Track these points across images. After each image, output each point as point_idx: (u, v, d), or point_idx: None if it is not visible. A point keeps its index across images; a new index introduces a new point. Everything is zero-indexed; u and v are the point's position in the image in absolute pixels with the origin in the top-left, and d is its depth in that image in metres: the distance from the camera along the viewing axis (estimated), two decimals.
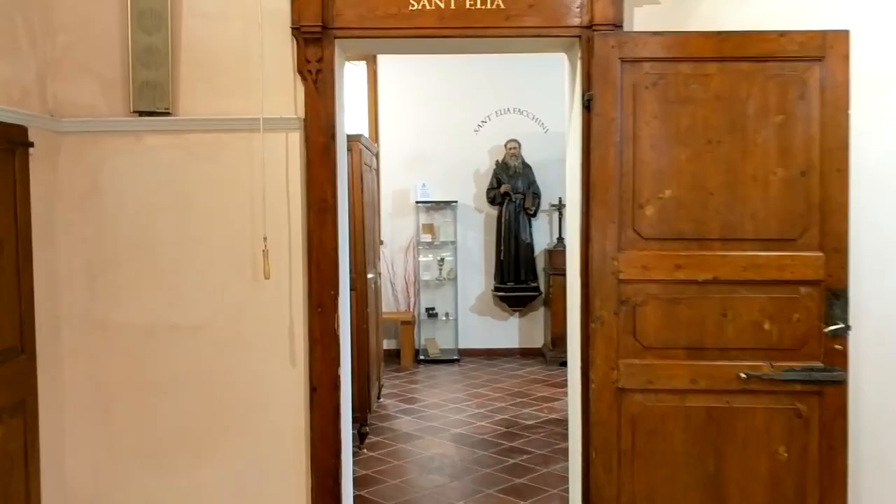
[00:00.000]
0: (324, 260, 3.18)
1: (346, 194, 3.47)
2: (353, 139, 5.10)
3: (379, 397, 6.41)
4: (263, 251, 3.10)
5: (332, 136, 3.18)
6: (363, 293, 5.15)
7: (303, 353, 3.19)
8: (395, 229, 8.24)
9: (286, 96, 3.18)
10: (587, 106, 3.15)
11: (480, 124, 8.22)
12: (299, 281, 3.17)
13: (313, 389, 3.20)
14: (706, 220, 3.05)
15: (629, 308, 3.08)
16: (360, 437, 5.21)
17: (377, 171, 8.03)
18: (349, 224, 5.09)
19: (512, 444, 5.27)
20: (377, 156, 8.14)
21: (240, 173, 3.17)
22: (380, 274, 6.34)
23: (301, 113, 3.17)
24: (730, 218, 3.05)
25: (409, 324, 7.86)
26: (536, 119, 8.21)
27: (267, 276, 3.10)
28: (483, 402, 6.41)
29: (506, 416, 5.96)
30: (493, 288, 8.13)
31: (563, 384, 6.95)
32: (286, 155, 3.16)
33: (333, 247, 3.18)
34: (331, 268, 3.18)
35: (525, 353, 8.25)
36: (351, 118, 7.75)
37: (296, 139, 3.16)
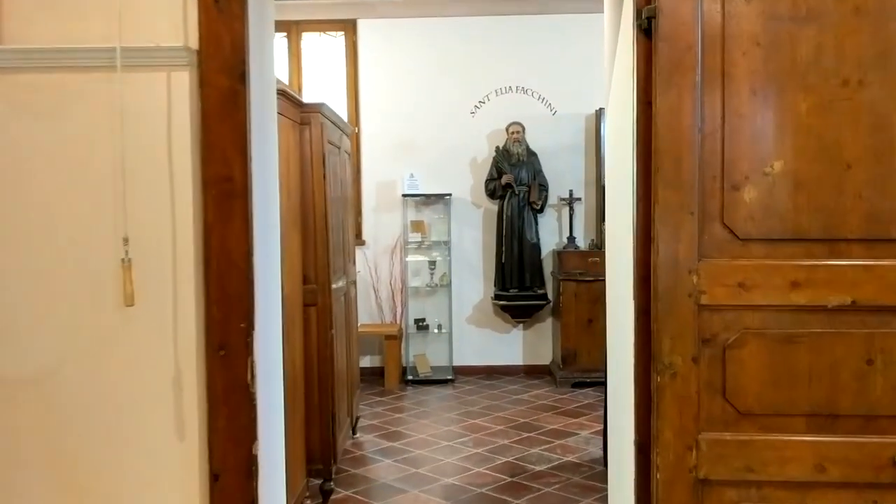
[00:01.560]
0: (229, 274, 2.01)
1: (273, 171, 2.31)
2: (312, 109, 3.94)
3: (354, 432, 5.25)
4: (123, 262, 1.93)
5: (242, 78, 2.01)
6: (326, 308, 3.99)
7: (196, 421, 2.03)
8: (379, 227, 7.07)
9: (169, 15, 2.01)
10: (646, 28, 1.98)
11: (478, 105, 7.05)
12: (190, 308, 2.00)
13: (214, 477, 2.04)
14: (841, 210, 1.90)
15: (716, 351, 1.92)
16: (322, 495, 4.05)
17: (353, 156, 6.88)
18: (308, 220, 3.94)
19: (518, 503, 4.11)
20: (357, 140, 6.99)
21: (98, 137, 2.00)
22: (354, 283, 5.18)
23: (194, 42, 2.01)
24: (880, 205, 1.89)
25: (394, 338, 6.69)
26: (543, 99, 7.05)
27: (129, 302, 1.93)
28: (482, 437, 5.25)
29: (510, 459, 4.80)
30: (493, 295, 6.97)
31: (577, 413, 5.80)
32: (168, 107, 2.00)
33: (244, 252, 2.01)
34: (239, 286, 2.01)
35: (530, 372, 7.09)
36: (327, 96, 6.58)
37: (184, 82, 2.00)
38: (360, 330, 6.66)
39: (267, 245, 2.20)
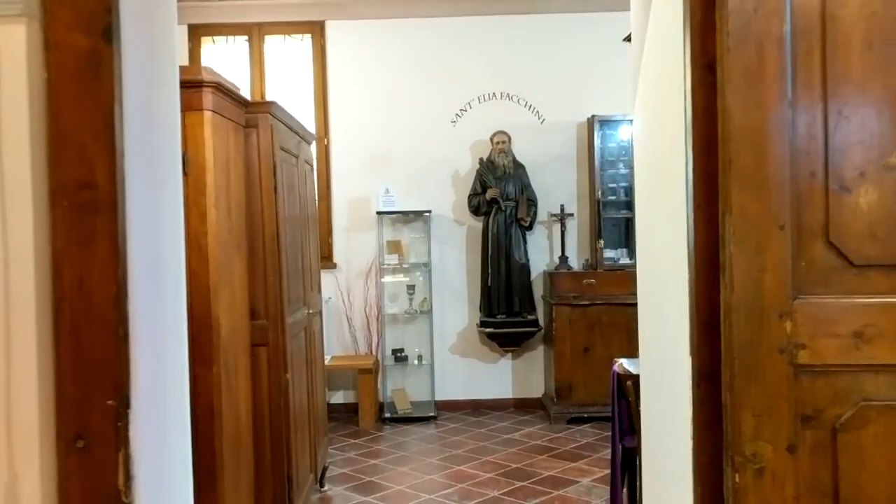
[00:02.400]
0: (89, 326, 1.34)
1: (172, 176, 1.65)
2: (259, 108, 3.30)
3: (322, 485, 4.56)
4: None
5: (108, 35, 1.35)
6: (280, 348, 3.32)
7: None
8: (352, 248, 6.41)
9: None
10: None
11: (459, 113, 6.44)
12: (29, 379, 1.34)
13: None
14: None
15: (824, 434, 1.28)
16: None
17: (322, 170, 6.23)
18: (255, 242, 3.28)
19: None
20: (326, 152, 6.35)
21: None
22: (318, 313, 4.50)
23: None
24: None
25: (369, 372, 6.00)
26: (530, 106, 6.44)
27: None
28: (468, 489, 4.57)
29: None
30: (478, 322, 6.31)
31: (576, 455, 5.14)
32: None
33: (112, 294, 1.34)
34: (105, 344, 1.34)
35: (521, 405, 6.42)
36: (293, 105, 5.96)
37: (19, 41, 1.34)
38: (331, 363, 5.99)
39: (156, 280, 1.53)
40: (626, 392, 3.77)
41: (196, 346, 2.73)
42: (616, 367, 3.98)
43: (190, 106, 2.73)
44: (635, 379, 3.80)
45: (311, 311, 4.06)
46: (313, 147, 6.21)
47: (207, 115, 2.75)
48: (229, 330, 2.91)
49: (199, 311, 2.73)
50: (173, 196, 1.66)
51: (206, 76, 2.72)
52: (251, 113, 3.24)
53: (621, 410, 3.93)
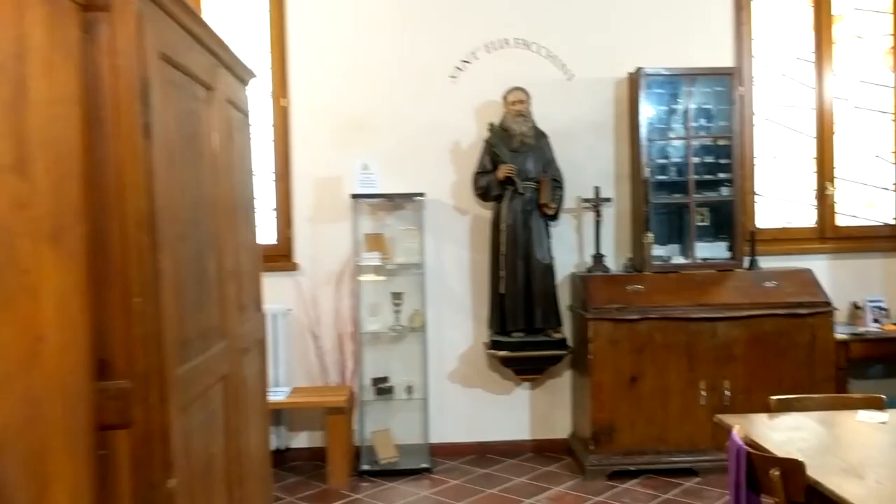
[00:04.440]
0: None
1: None
2: None
3: None
4: None
5: None
6: (157, 431, 1.76)
7: None
8: (319, 244, 4.85)
9: None
10: None
11: (461, 66, 4.90)
12: None
13: None
14: None
15: None
16: None
17: (279, 139, 4.69)
18: (107, 236, 1.71)
19: None
20: (284, 117, 4.80)
21: None
22: (257, 345, 2.93)
23: None
24: None
25: (341, 411, 4.45)
26: (554, 58, 4.92)
27: None
28: None
29: None
30: (487, 342, 4.79)
31: None
32: None
33: None
34: None
35: (541, 449, 4.91)
36: (243, 56, 4.38)
37: None
38: (291, 400, 4.46)
39: None
40: (769, 488, 2.25)
41: None
42: (737, 437, 2.45)
43: None
44: (787, 467, 2.29)
45: (235, 348, 2.50)
46: (269, 105, 4.69)
47: None
48: (17, 411, 1.35)
49: None
50: None
51: None
52: None
53: None
